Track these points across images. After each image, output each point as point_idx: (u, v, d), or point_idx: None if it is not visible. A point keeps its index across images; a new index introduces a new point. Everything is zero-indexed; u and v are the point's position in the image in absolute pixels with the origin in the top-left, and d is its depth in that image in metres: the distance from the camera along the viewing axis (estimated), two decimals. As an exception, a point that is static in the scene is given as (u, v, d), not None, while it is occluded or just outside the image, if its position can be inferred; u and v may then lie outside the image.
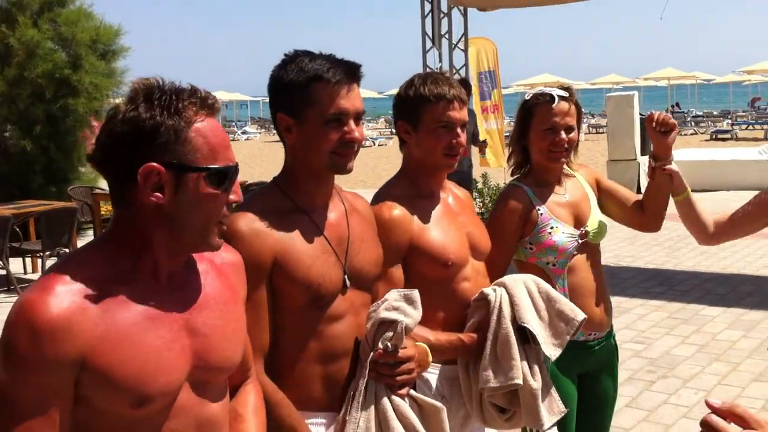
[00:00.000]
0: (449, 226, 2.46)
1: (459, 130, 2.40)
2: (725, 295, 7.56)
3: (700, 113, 39.90)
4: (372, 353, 2.05)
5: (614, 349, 3.07)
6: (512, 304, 2.39)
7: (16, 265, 9.55)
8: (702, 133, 33.04)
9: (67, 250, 9.05)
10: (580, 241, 2.86)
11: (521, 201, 2.83)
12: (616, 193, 3.05)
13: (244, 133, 44.77)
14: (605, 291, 2.97)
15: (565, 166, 2.98)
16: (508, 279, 2.49)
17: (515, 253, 2.87)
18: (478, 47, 12.28)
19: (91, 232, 11.13)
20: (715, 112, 40.30)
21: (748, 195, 10.94)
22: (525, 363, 2.36)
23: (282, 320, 2.00)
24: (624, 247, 10.17)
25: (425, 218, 2.40)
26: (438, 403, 2.15)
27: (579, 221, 2.89)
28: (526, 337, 2.38)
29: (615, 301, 7.12)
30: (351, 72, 2.01)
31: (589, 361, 2.95)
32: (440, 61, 11.25)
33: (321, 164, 2.02)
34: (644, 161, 15.36)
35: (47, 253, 8.87)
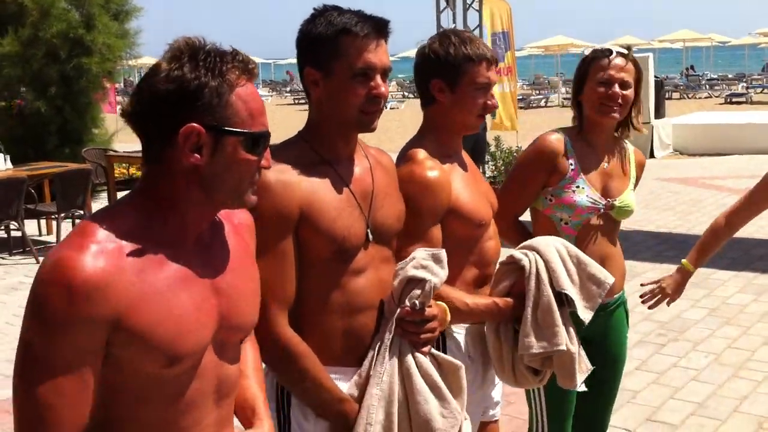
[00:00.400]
0: (475, 185, 2.49)
1: (492, 92, 2.44)
2: (736, 259, 7.58)
3: (715, 76, 39.51)
4: (399, 310, 2.08)
5: (624, 315, 3.08)
6: (548, 270, 2.42)
7: (31, 226, 9.63)
8: (717, 97, 32.74)
9: (82, 212, 9.13)
10: (602, 211, 2.86)
11: (556, 147, 2.82)
12: None
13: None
14: (616, 258, 2.95)
15: (625, 142, 2.98)
16: (538, 243, 2.50)
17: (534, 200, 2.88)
18: (492, 7, 12.16)
19: (105, 194, 11.20)
20: (730, 75, 39.87)
21: (764, 158, 10.91)
22: (571, 327, 2.42)
23: (306, 272, 2.01)
24: (638, 210, 10.12)
25: (456, 179, 2.42)
26: (457, 361, 2.18)
27: (609, 193, 2.89)
28: (560, 301, 2.42)
29: (627, 264, 7.16)
30: (379, 27, 2.01)
31: (594, 326, 2.91)
32: (454, 21, 11.17)
33: (348, 119, 2.03)
34: (658, 124, 15.36)
35: (62, 215, 8.94)
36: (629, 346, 5.26)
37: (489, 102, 2.43)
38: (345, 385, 2.07)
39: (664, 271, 7.31)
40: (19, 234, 8.79)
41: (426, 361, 2.11)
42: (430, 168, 2.33)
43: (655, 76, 15.86)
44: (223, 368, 1.64)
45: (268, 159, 1.59)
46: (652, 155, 14.99)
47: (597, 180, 2.87)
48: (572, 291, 2.42)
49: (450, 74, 2.40)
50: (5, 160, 9.20)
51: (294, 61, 2.14)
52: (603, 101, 2.82)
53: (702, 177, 12.45)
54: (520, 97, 28.23)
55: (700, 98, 32.57)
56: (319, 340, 2.03)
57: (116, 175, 11.17)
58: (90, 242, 1.43)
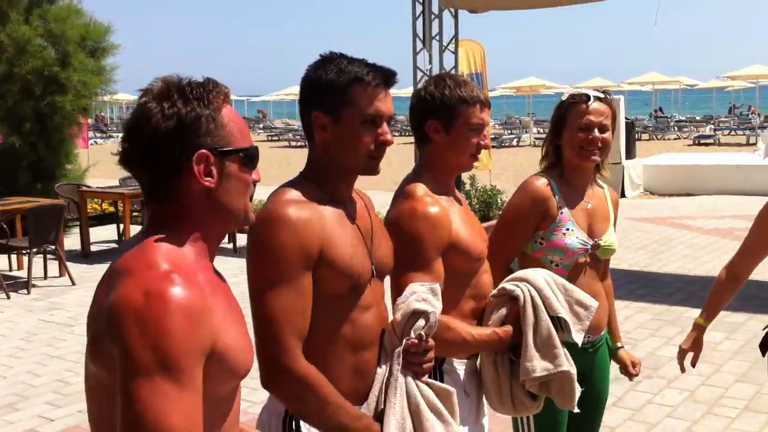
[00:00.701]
0: (469, 221, 2.56)
1: (485, 132, 2.53)
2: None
3: (683, 118, 40.21)
4: (404, 341, 2.12)
5: (607, 352, 3.14)
6: (541, 298, 2.49)
7: (1, 261, 9.53)
8: (685, 138, 33.30)
9: (53, 247, 9.04)
10: (589, 251, 2.91)
11: (545, 193, 2.87)
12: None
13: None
14: (602, 297, 2.99)
15: (599, 182, 3.05)
16: (526, 274, 2.57)
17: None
18: (467, 49, 12.35)
19: (77, 230, 11.12)
20: (698, 117, 40.62)
21: (732, 199, 11.10)
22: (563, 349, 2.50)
23: (319, 308, 2.03)
24: (609, 249, 10.28)
25: (454, 214, 2.48)
26: (449, 387, 2.23)
27: (594, 233, 2.94)
28: (555, 326, 2.50)
29: (600, 302, 7.25)
30: (388, 77, 2.08)
31: (584, 363, 2.96)
32: (430, 62, 11.30)
33: (355, 164, 2.09)
34: (629, 165, 15.58)
35: (34, 250, 8.85)
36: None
37: (482, 142, 2.51)
38: None
39: (637, 309, 7.42)
40: (-11, 270, 8.70)
41: (426, 389, 2.16)
42: (431, 204, 2.39)
43: (626, 118, 16.12)
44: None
45: (258, 173, 1.67)
46: (623, 195, 15.17)
47: (583, 221, 2.93)
48: (566, 315, 2.49)
49: (445, 115, 2.48)
50: (-23, 195, 9.11)
51: (267, 98, 2.19)
52: (583, 145, 2.87)
53: (672, 216, 12.62)
54: (493, 136, 28.55)
55: (668, 139, 33.10)
56: (326, 374, 2.03)
57: (89, 210, 11.10)
58: (170, 271, 1.45)
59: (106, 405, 1.44)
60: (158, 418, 1.33)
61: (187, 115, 1.53)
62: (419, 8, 11.15)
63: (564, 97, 2.97)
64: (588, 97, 2.89)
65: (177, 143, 1.53)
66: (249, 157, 1.62)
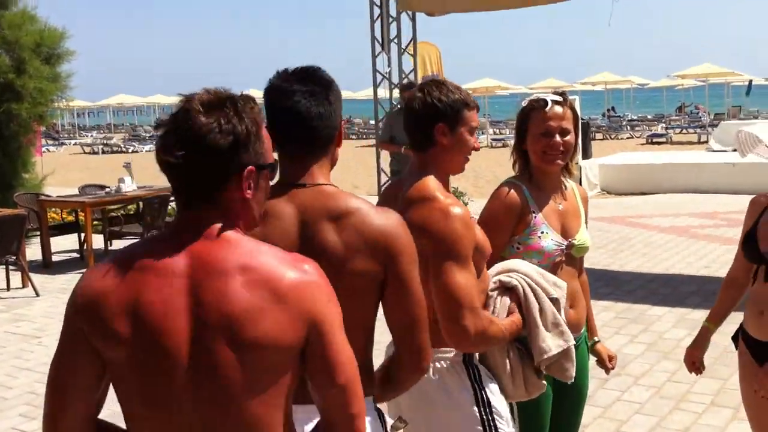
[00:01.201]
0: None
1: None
2: (669, 295, 7.86)
3: (636, 117, 40.91)
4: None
5: (587, 350, 3.23)
6: (535, 283, 2.68)
7: (-38, 273, 9.38)
8: (638, 137, 33.86)
9: (15, 258, 8.91)
10: (564, 251, 2.99)
11: (518, 200, 2.93)
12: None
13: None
14: (580, 296, 3.10)
15: (567, 181, 3.12)
16: (511, 265, 2.75)
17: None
18: (422, 52, 12.47)
19: (37, 239, 10.96)
20: (649, 116, 41.35)
21: (686, 197, 11.28)
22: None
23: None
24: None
25: None
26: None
27: (567, 232, 3.02)
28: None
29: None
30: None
31: None
32: (389, 65, 11.39)
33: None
34: (586, 165, 15.82)
35: (-5, 261, 8.73)
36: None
37: (476, 144, 2.67)
38: None
39: (601, 308, 7.55)
40: (-50, 282, 8.55)
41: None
42: (457, 204, 2.54)
43: (581, 118, 16.35)
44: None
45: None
46: (580, 195, 15.40)
47: (555, 222, 3.00)
48: (559, 293, 2.70)
49: (451, 119, 2.59)
50: (-66, 206, 8.95)
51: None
52: (546, 150, 2.95)
53: (629, 216, 12.84)
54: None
55: (622, 139, 33.62)
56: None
57: (49, 219, 10.96)
58: None
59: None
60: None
61: (242, 132, 1.64)
62: (377, 11, 11.23)
63: (524, 104, 3.04)
64: (546, 103, 2.96)
65: (232, 159, 1.64)
66: (274, 170, 1.78)
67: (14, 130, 11.70)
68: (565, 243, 2.99)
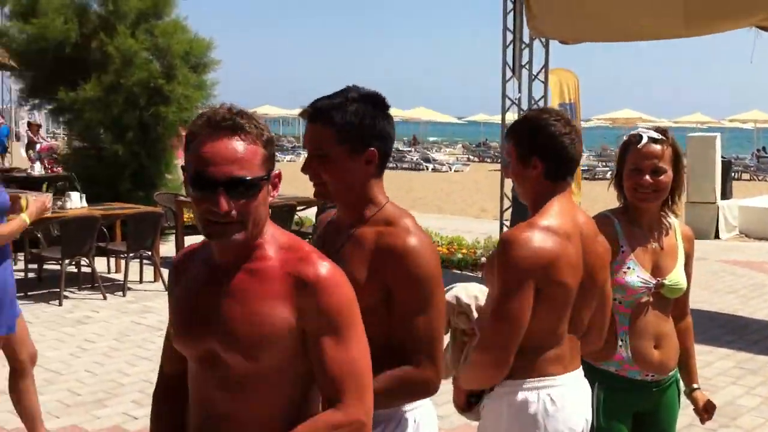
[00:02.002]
0: None
1: None
2: (796, 349, 7.44)
3: (788, 159, 38.82)
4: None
5: (677, 393, 3.12)
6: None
7: (101, 264, 9.97)
8: (788, 180, 32.14)
9: (149, 253, 9.44)
10: (653, 290, 2.92)
11: (606, 232, 2.86)
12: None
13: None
14: (670, 336, 3.01)
15: (670, 218, 3.05)
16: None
17: None
18: (560, 78, 12.30)
19: (173, 237, 11.54)
20: (802, 159, 39.11)
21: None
22: None
23: None
24: (699, 292, 10.03)
25: None
26: None
27: (659, 271, 2.95)
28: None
29: (681, 345, 7.11)
30: (310, 114, 2.30)
31: (646, 401, 3.01)
32: (519, 91, 11.33)
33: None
34: (725, 205, 15.18)
35: (131, 254, 9.26)
36: (679, 428, 5.24)
37: None
38: None
39: (720, 355, 7.25)
40: (89, 270, 9.13)
41: None
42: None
43: (723, 157, 15.72)
44: (204, 379, 1.98)
45: (213, 201, 1.84)
46: (717, 236, 14.78)
47: (646, 259, 2.94)
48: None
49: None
50: (81, 198, 9.59)
51: None
52: (636, 188, 2.91)
53: (767, 261, 12.25)
54: (586, 167, 28.14)
55: (769, 181, 32.02)
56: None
57: (185, 219, 11.49)
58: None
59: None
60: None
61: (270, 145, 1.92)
62: (510, 37, 11.20)
63: (624, 138, 3.01)
64: (640, 138, 2.91)
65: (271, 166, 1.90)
66: (192, 183, 1.83)
67: (160, 133, 12.33)
68: (654, 282, 2.92)
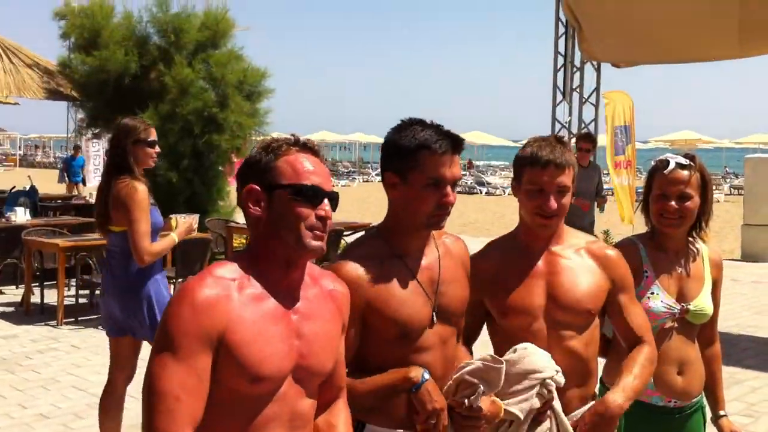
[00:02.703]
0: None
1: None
2: None
3: None
4: (450, 399, 2.31)
5: (702, 420, 3.09)
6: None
7: (152, 288, 10.17)
8: None
9: (198, 278, 9.61)
10: (677, 315, 2.92)
11: (631, 257, 2.86)
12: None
13: (378, 174, 45.77)
14: (694, 362, 3.00)
15: (698, 243, 3.04)
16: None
17: None
18: (615, 101, 12.22)
19: (223, 262, 11.69)
20: None
21: None
22: None
23: (378, 349, 2.31)
24: (748, 316, 9.83)
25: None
26: None
27: (684, 297, 2.95)
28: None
29: (729, 371, 7.03)
30: (456, 145, 2.29)
31: (668, 428, 2.99)
32: (570, 114, 11.32)
33: (418, 222, 2.31)
34: (783, 227, 14.77)
35: (180, 280, 9.46)
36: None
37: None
38: None
39: (767, 381, 7.07)
40: (140, 295, 9.31)
41: None
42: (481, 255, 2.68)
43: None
44: (298, 402, 1.96)
45: (325, 210, 1.94)
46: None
47: (672, 285, 2.94)
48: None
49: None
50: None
51: None
52: (662, 213, 2.92)
53: (830, 286, 11.90)
54: (640, 189, 27.52)
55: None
56: (387, 405, 2.30)
57: (235, 245, 11.72)
58: (207, 276, 1.88)
59: None
60: (154, 381, 1.78)
61: (251, 159, 1.97)
62: (561, 60, 11.20)
63: (653, 162, 3.01)
64: (667, 164, 2.92)
65: (245, 180, 1.97)
66: (298, 192, 1.92)
67: (213, 160, 12.60)
68: (678, 307, 2.92)
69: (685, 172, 2.91)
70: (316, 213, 1.92)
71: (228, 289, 1.84)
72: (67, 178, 19.04)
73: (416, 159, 2.25)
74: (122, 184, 4.50)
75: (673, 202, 2.89)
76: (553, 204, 2.52)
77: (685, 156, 2.98)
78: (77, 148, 14.92)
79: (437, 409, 2.24)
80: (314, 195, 1.93)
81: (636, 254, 2.93)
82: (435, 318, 2.33)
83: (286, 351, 1.90)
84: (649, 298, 2.89)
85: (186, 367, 1.77)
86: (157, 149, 4.68)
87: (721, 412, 3.17)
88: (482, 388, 2.29)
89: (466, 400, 2.27)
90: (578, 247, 2.67)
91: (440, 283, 2.36)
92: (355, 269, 2.27)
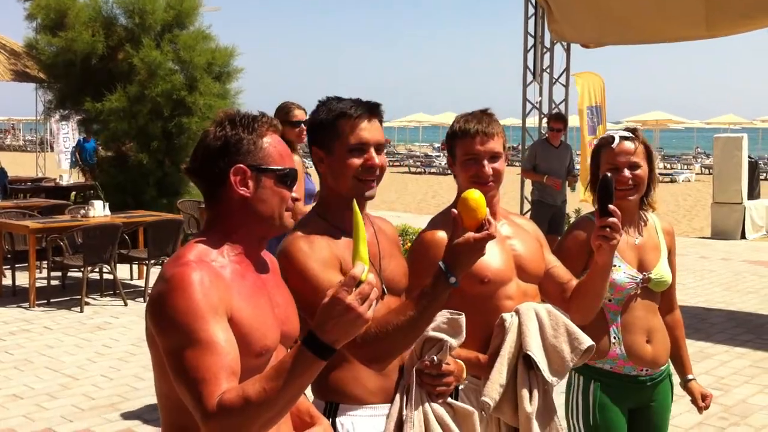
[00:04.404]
0: (494, 247, 2.57)
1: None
2: (816, 348, 7.36)
3: (823, 158, 38.16)
4: (418, 362, 2.30)
5: (669, 386, 3.17)
6: (521, 333, 2.55)
7: (123, 271, 10.15)
8: (823, 180, 31.60)
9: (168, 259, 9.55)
10: (640, 285, 3.00)
11: (589, 234, 2.87)
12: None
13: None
14: (660, 331, 3.08)
15: (648, 214, 3.14)
16: (523, 306, 2.62)
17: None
18: (585, 81, 12.28)
19: (195, 244, 11.64)
20: (839, 159, 38.44)
21: None
22: (526, 389, 2.53)
23: None
24: (718, 292, 9.97)
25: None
26: (470, 408, 2.39)
27: (644, 266, 3.02)
28: (531, 363, 2.53)
29: (699, 345, 7.14)
30: (371, 109, 2.33)
31: (640, 396, 3.07)
32: (540, 95, 11.36)
33: (346, 188, 2.30)
34: (751, 205, 15.03)
35: (152, 261, 9.41)
36: (688, 426, 5.23)
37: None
38: (382, 421, 2.31)
39: (736, 354, 7.21)
40: (111, 277, 9.29)
41: (441, 410, 2.32)
42: (434, 230, 2.62)
43: (749, 157, 15.55)
44: None
45: (299, 191, 1.93)
46: (743, 236, 14.65)
47: (631, 256, 3.01)
48: (538, 353, 2.53)
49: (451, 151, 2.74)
50: (104, 207, 9.77)
51: (391, 125, 2.46)
52: (616, 185, 2.93)
53: (792, 261, 12.11)
54: (615, 170, 27.84)
55: (803, 181, 31.52)
56: (351, 380, 2.31)
57: (207, 227, 11.63)
58: (188, 260, 1.84)
59: (158, 376, 1.89)
60: (185, 377, 1.72)
61: (232, 137, 1.93)
62: (531, 41, 11.23)
63: (595, 142, 3.09)
64: (612, 139, 3.01)
65: (222, 159, 1.92)
66: (283, 176, 1.97)
67: (183, 142, 12.49)
68: (640, 276, 2.99)
69: (631, 144, 3.01)
70: (291, 196, 2.00)
71: (214, 270, 1.84)
72: (80, 162, 18.68)
73: (335, 128, 2.30)
74: None
75: (626, 172, 2.97)
76: (489, 170, 2.63)
77: (627, 129, 3.09)
78: (89, 131, 14.77)
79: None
80: (294, 178, 1.99)
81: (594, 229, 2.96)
82: (385, 291, 2.35)
83: (274, 320, 1.94)
84: (612, 271, 2.92)
85: (215, 346, 1.73)
86: (303, 127, 5.22)
87: (690, 376, 3.28)
88: (450, 341, 2.30)
89: (434, 358, 2.29)
90: (506, 216, 2.81)
91: (381, 258, 2.39)
92: (312, 242, 2.26)
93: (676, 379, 3.25)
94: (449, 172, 2.78)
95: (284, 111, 5.36)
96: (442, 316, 2.33)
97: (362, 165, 2.30)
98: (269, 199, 1.95)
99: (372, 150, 2.31)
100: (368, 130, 2.31)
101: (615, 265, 2.94)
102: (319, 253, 2.23)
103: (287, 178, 1.98)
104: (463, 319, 2.34)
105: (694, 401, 3.28)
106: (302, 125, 5.27)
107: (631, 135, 3.04)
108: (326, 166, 2.34)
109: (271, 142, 1.97)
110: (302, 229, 2.30)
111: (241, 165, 1.91)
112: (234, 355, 1.76)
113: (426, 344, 2.31)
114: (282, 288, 2.08)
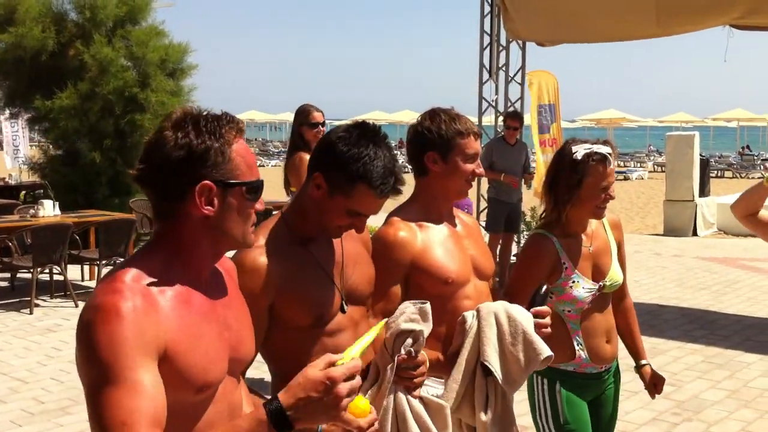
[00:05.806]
0: (453, 247, 2.65)
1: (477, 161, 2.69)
2: (765, 343, 7.48)
3: (771, 156, 39.02)
4: (396, 358, 2.24)
5: (618, 373, 3.27)
6: (479, 339, 2.51)
7: (74, 272, 9.95)
8: (771, 177, 32.29)
9: (122, 260, 9.38)
10: (597, 294, 3.03)
11: (550, 255, 2.96)
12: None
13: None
14: (613, 328, 3.16)
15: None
16: (484, 309, 2.56)
17: None
18: (539, 80, 12.33)
19: (149, 244, 11.48)
20: (786, 156, 39.31)
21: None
22: (482, 396, 2.50)
23: (289, 336, 2.23)
24: (671, 288, 10.10)
25: (431, 238, 2.61)
26: (442, 401, 2.38)
27: (599, 273, 3.06)
28: (488, 370, 2.50)
29: (652, 342, 7.21)
30: (395, 191, 2.26)
31: (600, 388, 3.18)
32: (496, 93, 11.37)
33: (323, 227, 2.26)
34: (702, 203, 15.27)
35: (103, 261, 9.24)
36: (642, 422, 5.28)
37: (478, 170, 2.67)
38: None
39: (689, 351, 7.29)
40: (61, 278, 9.10)
41: (417, 404, 2.31)
42: (396, 230, 2.57)
43: (701, 155, 15.81)
44: (234, 394, 1.82)
45: (262, 202, 1.78)
46: (695, 233, 14.87)
47: (586, 267, 3.03)
48: (495, 365, 2.48)
49: (442, 147, 2.63)
50: (54, 206, 9.57)
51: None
52: (599, 205, 2.96)
53: (742, 258, 12.30)
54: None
55: (752, 178, 32.12)
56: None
57: (161, 226, 11.47)
58: (121, 286, 1.59)
59: None
60: (102, 417, 1.52)
61: (198, 146, 1.64)
62: (487, 39, 11.25)
63: (579, 156, 2.93)
64: (605, 157, 2.92)
65: (185, 172, 1.64)
66: (252, 190, 1.73)
67: (136, 140, 12.29)
68: (596, 287, 3.03)
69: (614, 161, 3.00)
70: (256, 207, 1.78)
71: (150, 298, 1.60)
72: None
73: (351, 187, 2.17)
74: (295, 156, 5.63)
75: (611, 191, 2.97)
76: (480, 169, 2.69)
77: (604, 143, 3.01)
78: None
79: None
80: (261, 189, 1.78)
81: (552, 248, 2.98)
82: (344, 302, 2.29)
83: (222, 349, 1.74)
84: (571, 287, 2.98)
85: (140, 388, 1.52)
86: (321, 129, 5.65)
87: (643, 361, 3.34)
88: (424, 329, 2.27)
89: (411, 350, 2.25)
90: (457, 214, 2.81)
91: (345, 265, 2.33)
92: (260, 258, 2.17)
93: (623, 363, 3.30)
94: (406, 170, 2.74)
95: (304, 113, 5.79)
96: (409, 308, 2.30)
97: (350, 224, 2.27)
98: (235, 217, 1.72)
99: (363, 218, 2.32)
100: (377, 207, 2.28)
101: (574, 281, 2.99)
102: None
103: (256, 192, 1.75)
104: (428, 306, 2.31)
105: (646, 385, 3.35)
106: (320, 127, 5.67)
107: (611, 151, 2.97)
108: (318, 198, 2.23)
109: (238, 150, 1.71)
110: (260, 237, 2.21)
111: (207, 182, 1.65)
112: (160, 403, 1.54)
113: (398, 338, 2.27)
114: (236, 306, 1.87)
